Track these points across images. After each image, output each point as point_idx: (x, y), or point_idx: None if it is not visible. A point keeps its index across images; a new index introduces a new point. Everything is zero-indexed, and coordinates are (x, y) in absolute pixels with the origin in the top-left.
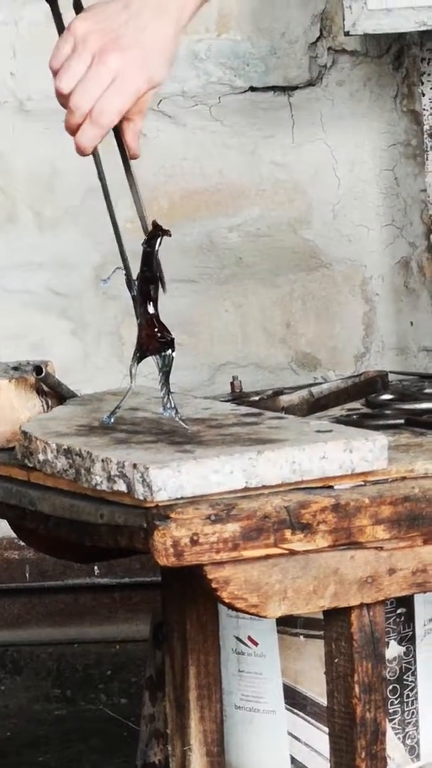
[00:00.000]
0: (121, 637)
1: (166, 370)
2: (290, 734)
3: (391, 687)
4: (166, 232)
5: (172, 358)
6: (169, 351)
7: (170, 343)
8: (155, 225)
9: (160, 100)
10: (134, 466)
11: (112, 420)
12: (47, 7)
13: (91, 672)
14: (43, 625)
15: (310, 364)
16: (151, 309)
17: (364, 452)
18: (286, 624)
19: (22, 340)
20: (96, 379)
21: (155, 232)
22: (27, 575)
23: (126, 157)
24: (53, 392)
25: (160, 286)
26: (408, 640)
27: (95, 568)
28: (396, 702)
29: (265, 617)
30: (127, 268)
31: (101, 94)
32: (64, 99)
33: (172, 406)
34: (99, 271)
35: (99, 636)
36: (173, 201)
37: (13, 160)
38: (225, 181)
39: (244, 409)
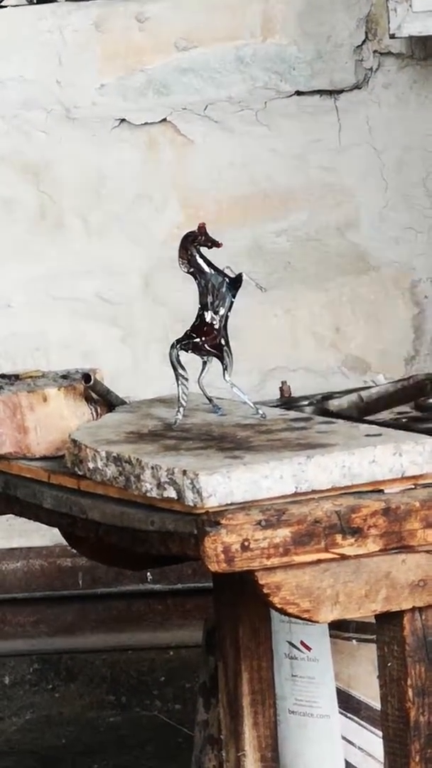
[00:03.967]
0: (175, 643)
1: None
2: (344, 738)
3: None
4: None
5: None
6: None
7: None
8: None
9: (207, 106)
10: (184, 472)
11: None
12: (92, 14)
13: (145, 678)
14: (96, 632)
15: (359, 367)
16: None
17: (413, 455)
18: (339, 628)
19: (71, 348)
20: (145, 386)
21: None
22: (80, 582)
23: None
24: (102, 400)
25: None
26: None
27: (148, 574)
28: None
29: (317, 622)
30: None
31: None
32: None
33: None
34: (147, 277)
35: (152, 642)
36: (221, 206)
37: (60, 168)
38: (272, 186)
39: (293, 414)
